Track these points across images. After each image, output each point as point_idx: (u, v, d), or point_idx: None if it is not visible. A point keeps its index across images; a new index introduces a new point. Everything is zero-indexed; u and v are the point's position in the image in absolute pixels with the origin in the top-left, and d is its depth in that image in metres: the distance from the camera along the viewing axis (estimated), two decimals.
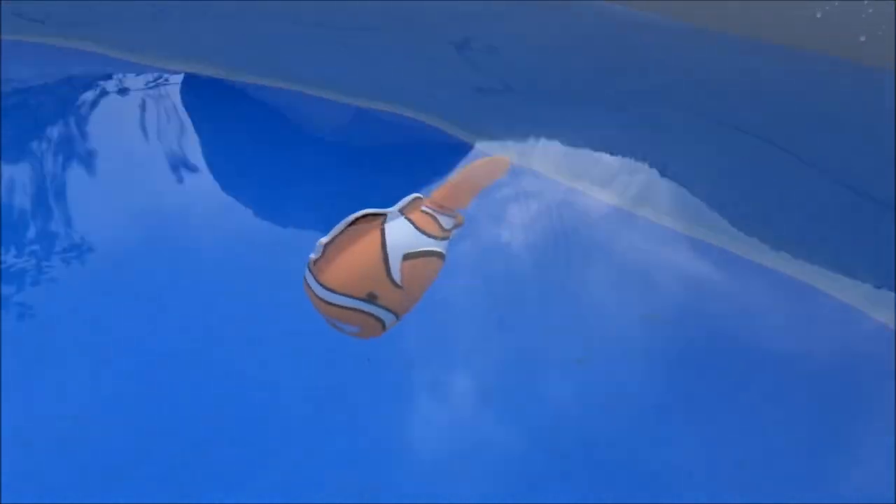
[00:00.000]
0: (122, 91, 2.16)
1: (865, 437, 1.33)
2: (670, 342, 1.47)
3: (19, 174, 1.72)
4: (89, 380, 1.24)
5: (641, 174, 1.98)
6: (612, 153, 2.04)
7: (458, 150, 2.03)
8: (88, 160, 1.83)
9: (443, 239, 0.67)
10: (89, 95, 2.13)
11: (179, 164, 1.83)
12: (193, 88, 2.20)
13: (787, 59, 2.50)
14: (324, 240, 0.61)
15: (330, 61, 2.40)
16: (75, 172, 1.77)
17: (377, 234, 0.63)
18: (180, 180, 1.77)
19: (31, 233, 1.56)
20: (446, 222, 0.68)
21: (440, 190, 0.71)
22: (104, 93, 2.15)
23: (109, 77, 2.24)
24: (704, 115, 2.26)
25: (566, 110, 2.24)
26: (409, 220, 0.65)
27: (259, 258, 1.52)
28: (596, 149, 2.06)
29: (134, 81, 2.21)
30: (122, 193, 1.71)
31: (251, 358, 1.30)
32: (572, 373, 1.37)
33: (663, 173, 1.99)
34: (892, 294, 1.64)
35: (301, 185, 1.81)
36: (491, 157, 0.73)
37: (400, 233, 0.63)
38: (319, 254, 0.61)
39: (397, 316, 0.66)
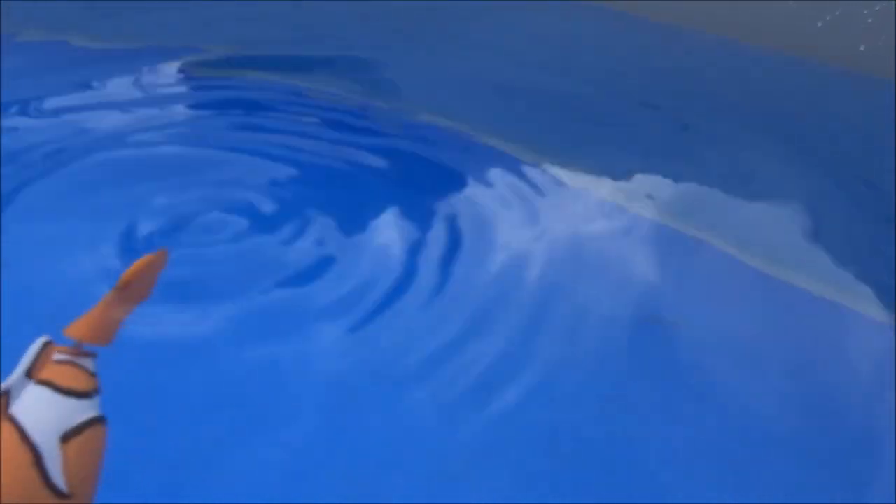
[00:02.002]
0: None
1: (865, 437, 1.32)
2: (668, 344, 1.48)
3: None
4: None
5: (637, 178, 2.00)
6: (611, 154, 2.07)
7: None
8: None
9: (94, 393, 0.51)
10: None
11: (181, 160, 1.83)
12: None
13: (786, 66, 2.52)
14: None
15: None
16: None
17: (9, 428, 0.44)
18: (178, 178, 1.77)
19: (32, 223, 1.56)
20: (90, 364, 0.52)
21: (80, 322, 0.55)
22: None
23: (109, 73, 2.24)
24: (712, 121, 2.28)
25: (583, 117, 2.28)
26: (44, 382, 0.47)
27: (263, 256, 1.53)
28: (600, 153, 2.09)
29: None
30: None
31: (255, 356, 1.31)
32: (569, 372, 1.38)
33: (664, 176, 2.01)
34: (893, 294, 1.63)
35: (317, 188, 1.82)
36: (147, 265, 0.60)
37: (39, 408, 0.46)
38: None
39: None
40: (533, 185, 1.93)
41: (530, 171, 1.99)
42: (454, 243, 1.71)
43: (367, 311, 1.42)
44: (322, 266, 1.51)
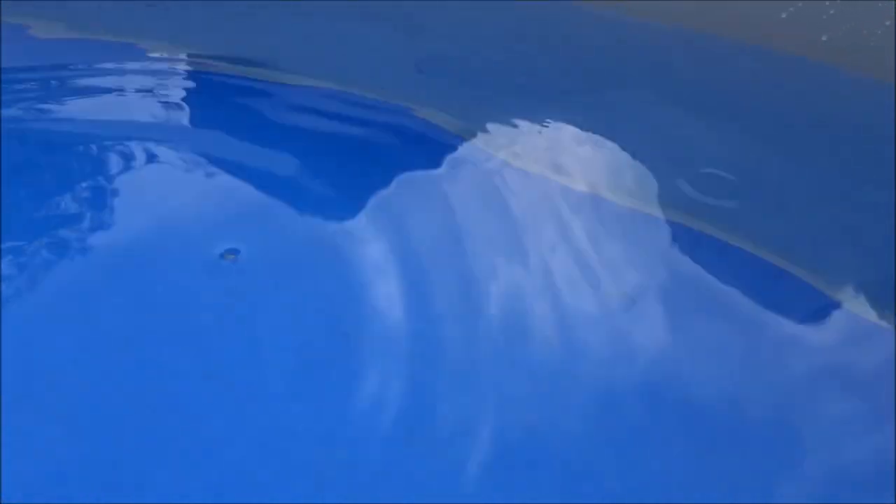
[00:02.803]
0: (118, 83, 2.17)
1: (865, 437, 1.32)
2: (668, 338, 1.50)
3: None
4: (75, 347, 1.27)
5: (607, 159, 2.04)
6: (581, 143, 2.10)
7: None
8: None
9: None
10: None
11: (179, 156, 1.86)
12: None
13: (752, 56, 2.58)
14: None
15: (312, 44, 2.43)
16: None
17: None
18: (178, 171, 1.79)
19: (31, 220, 1.59)
20: None
21: None
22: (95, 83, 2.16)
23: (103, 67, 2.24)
24: (679, 107, 2.32)
25: (545, 104, 2.30)
26: None
27: (238, 233, 1.58)
28: (572, 139, 2.12)
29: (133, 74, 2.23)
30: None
31: (228, 330, 1.35)
32: (545, 351, 1.39)
33: (631, 157, 2.05)
34: (892, 296, 1.64)
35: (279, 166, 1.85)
36: None
37: None
38: None
39: None
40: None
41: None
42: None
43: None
44: None
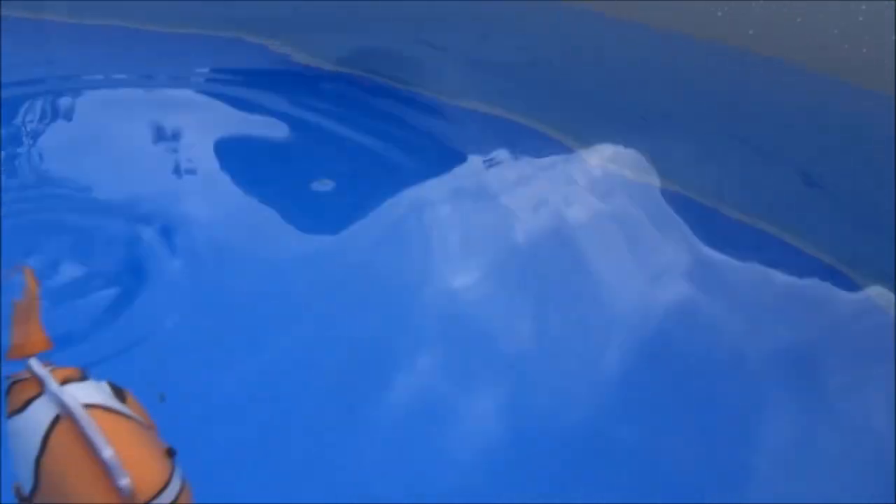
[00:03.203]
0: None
1: (866, 436, 1.31)
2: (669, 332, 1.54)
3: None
4: None
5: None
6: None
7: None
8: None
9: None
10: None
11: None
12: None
13: (694, 49, 3.07)
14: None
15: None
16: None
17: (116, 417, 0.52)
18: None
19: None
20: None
21: (16, 344, 0.63)
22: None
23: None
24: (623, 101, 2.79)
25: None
26: (69, 380, 0.56)
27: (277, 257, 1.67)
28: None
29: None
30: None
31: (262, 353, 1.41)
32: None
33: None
34: (892, 296, 1.66)
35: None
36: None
37: (93, 392, 0.54)
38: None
39: None
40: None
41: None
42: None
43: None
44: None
